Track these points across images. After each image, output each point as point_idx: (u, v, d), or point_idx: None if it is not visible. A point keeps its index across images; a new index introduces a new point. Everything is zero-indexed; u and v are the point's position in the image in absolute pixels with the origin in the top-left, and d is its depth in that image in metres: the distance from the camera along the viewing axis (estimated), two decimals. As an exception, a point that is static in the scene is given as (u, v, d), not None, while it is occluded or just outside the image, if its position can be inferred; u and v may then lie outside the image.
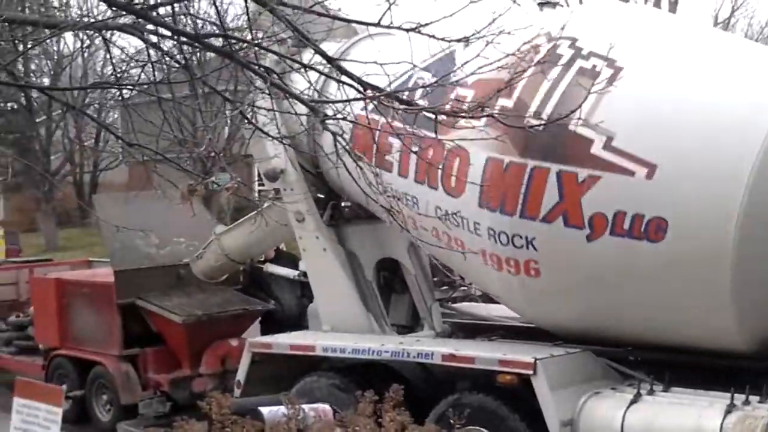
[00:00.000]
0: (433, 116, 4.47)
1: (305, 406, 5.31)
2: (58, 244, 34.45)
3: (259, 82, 5.07)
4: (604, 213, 5.79)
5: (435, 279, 8.55)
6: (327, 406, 5.85)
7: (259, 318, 9.92)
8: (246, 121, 5.30)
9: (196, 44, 4.63)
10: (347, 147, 4.57)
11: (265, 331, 9.16)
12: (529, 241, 6.05)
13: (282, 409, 5.20)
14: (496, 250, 6.25)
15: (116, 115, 26.77)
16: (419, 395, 6.89)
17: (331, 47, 6.31)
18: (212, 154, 9.45)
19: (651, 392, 5.98)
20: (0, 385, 11.61)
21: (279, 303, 9.89)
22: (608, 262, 5.93)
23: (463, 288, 9.22)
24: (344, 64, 4.63)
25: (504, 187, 5.99)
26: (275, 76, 4.67)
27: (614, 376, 6.42)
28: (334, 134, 4.60)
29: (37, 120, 33.00)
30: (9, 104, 32.76)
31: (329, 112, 4.74)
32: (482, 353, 6.56)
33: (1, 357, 11.33)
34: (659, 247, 5.69)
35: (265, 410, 5.44)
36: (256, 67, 4.64)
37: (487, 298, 9.00)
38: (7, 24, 4.93)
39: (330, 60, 4.66)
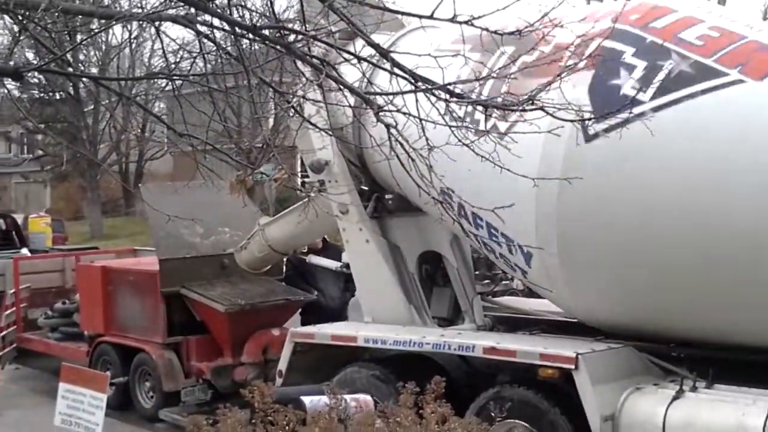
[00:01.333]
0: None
1: (347, 396, 5.33)
2: (103, 233, 34.92)
3: (309, 74, 5.09)
4: None
5: (477, 272, 8.55)
6: (368, 397, 5.87)
7: (300, 309, 10.00)
8: (294, 112, 5.33)
9: (252, 36, 4.67)
10: (399, 139, 4.57)
11: (306, 322, 9.20)
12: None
13: (324, 399, 5.23)
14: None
15: (162, 106, 27.03)
16: (459, 388, 6.90)
17: (379, 39, 6.32)
18: (260, 145, 9.54)
19: (694, 389, 5.93)
20: (45, 370, 11.86)
21: (322, 294, 9.94)
22: None
23: (504, 282, 9.22)
24: (396, 56, 4.64)
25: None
26: (330, 67, 4.70)
27: (656, 372, 6.37)
28: (387, 126, 4.61)
29: (85, 110, 33.41)
30: (57, 94, 33.18)
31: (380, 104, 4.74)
32: (523, 347, 6.55)
33: (47, 343, 11.50)
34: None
35: (306, 400, 5.48)
36: (311, 59, 4.67)
37: (529, 292, 8.98)
38: (62, 14, 5.00)
39: (383, 52, 4.68)
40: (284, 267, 10.44)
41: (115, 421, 8.88)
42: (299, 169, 9.06)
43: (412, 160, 4.73)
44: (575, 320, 7.12)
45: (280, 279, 10.34)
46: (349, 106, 5.45)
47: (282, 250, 9.52)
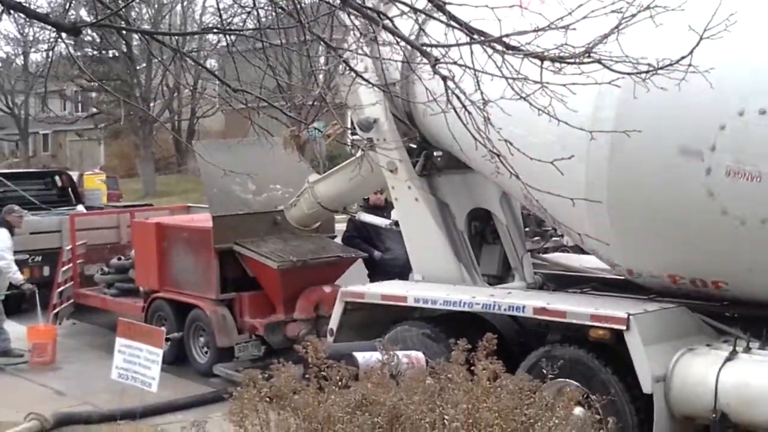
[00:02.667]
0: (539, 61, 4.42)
1: (399, 353, 5.36)
2: (156, 190, 35.40)
3: (361, 27, 5.06)
4: None
5: (527, 229, 8.52)
6: (420, 354, 5.90)
7: (367, 268, 10.06)
8: (347, 68, 5.31)
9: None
10: (456, 92, 4.54)
11: (374, 281, 9.26)
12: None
13: (376, 355, 5.28)
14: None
15: (214, 64, 27.14)
16: (510, 347, 6.91)
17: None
18: (312, 102, 9.53)
19: (747, 349, 5.86)
20: (102, 326, 12.11)
21: (389, 252, 9.98)
22: None
23: (555, 238, 9.18)
24: (451, 9, 4.60)
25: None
26: (387, 18, 4.67)
27: (709, 333, 6.32)
28: (444, 78, 4.58)
29: (138, 67, 33.70)
30: (111, 52, 33.51)
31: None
32: (574, 307, 6.52)
33: (103, 298, 11.72)
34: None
35: (359, 356, 5.53)
36: (367, 10, 4.65)
37: (579, 249, 8.93)
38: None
39: (438, 4, 4.63)
40: (346, 225, 10.52)
41: (170, 375, 9.05)
42: (350, 127, 9.05)
43: (469, 113, 4.70)
44: (626, 278, 7.06)
45: (333, 236, 10.42)
46: (404, 61, 5.40)
47: (331, 207, 9.57)
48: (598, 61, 4.49)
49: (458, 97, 4.65)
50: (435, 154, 8.10)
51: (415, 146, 8.11)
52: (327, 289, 9.52)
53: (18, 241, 12.89)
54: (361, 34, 5.18)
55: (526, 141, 6.04)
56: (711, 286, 6.25)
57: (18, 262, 11.75)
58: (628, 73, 4.63)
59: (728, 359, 5.80)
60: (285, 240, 9.91)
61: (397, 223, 8.83)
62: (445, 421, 4.41)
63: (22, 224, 11.55)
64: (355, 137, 8.84)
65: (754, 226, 5.74)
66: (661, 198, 6.08)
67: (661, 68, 4.54)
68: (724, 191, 5.77)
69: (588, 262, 8.01)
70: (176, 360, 9.98)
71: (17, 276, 10.89)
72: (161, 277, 10.44)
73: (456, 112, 4.71)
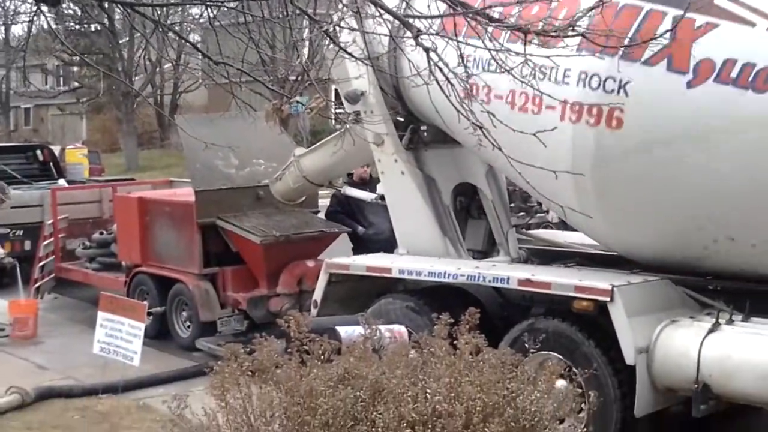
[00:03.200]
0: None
1: (381, 327, 5.35)
2: (139, 164, 35.23)
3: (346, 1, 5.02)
4: (712, 59, 5.59)
5: (512, 205, 8.50)
6: (403, 328, 5.89)
7: (351, 243, 10.04)
8: (330, 41, 5.26)
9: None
10: (439, 64, 4.51)
11: (357, 254, 9.23)
12: (623, 85, 5.84)
13: (359, 329, 5.25)
14: (581, 96, 6.04)
15: (197, 38, 26.96)
16: (493, 320, 6.91)
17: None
18: (295, 77, 9.48)
19: (730, 322, 5.88)
20: (83, 300, 12.06)
21: (372, 227, 9.95)
22: (704, 113, 5.71)
23: (540, 214, 9.17)
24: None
25: (613, 26, 5.66)
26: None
27: (692, 305, 6.33)
28: (427, 50, 4.55)
29: (120, 41, 33.40)
30: (93, 26, 33.19)
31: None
32: (559, 279, 6.52)
33: (85, 273, 11.66)
34: (764, 98, 5.50)
35: (342, 330, 5.51)
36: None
37: (564, 225, 8.92)
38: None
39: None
40: (330, 200, 10.48)
41: (152, 349, 9.02)
42: (334, 101, 8.99)
43: (452, 85, 4.67)
44: (611, 253, 7.07)
45: (316, 211, 10.39)
46: (387, 34, 5.36)
47: (317, 181, 9.53)
48: (582, 35, 4.47)
49: (441, 70, 4.62)
50: (422, 128, 8.08)
51: (401, 119, 8.07)
52: (310, 263, 9.50)
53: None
54: (343, 5, 5.13)
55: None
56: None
57: (-1, 237, 11.70)
58: (611, 47, 4.61)
59: (711, 331, 5.82)
60: (268, 215, 9.87)
61: (382, 198, 8.80)
62: (427, 394, 4.40)
63: (3, 206, 11.46)
64: (340, 111, 8.79)
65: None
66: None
67: (645, 41, 4.52)
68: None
69: (572, 238, 8.02)
70: (159, 334, 9.96)
71: None
72: (143, 251, 10.39)
73: (439, 84, 4.68)
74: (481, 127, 4.90)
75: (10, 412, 7.32)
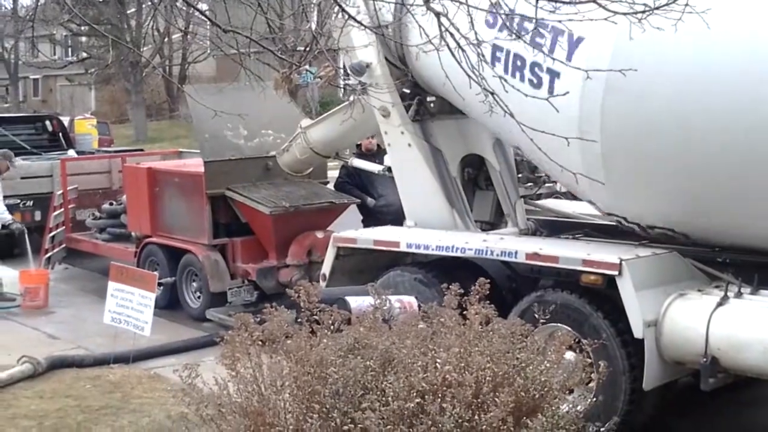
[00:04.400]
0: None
1: (391, 298, 5.38)
2: (148, 136, 35.25)
3: None
4: None
5: (520, 176, 8.49)
6: (412, 298, 5.92)
7: (360, 214, 10.05)
8: (339, 8, 5.25)
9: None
10: (450, 29, 4.49)
11: (366, 226, 9.25)
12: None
13: (368, 300, 5.28)
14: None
15: (205, 7, 26.82)
16: (502, 292, 6.93)
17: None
18: (304, 47, 9.44)
19: (739, 295, 5.88)
20: (94, 270, 12.12)
21: (382, 198, 9.96)
22: None
23: (548, 185, 9.16)
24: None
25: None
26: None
27: (701, 278, 6.33)
28: (437, 14, 4.53)
29: (128, 11, 33.28)
30: (100, -5, 33.07)
31: None
32: (566, 253, 6.52)
33: (95, 243, 11.71)
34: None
35: (351, 300, 5.55)
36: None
37: (572, 196, 8.91)
38: None
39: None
40: (339, 171, 10.49)
41: (163, 320, 9.08)
42: (343, 70, 8.97)
43: (462, 50, 4.65)
44: (618, 224, 7.06)
45: (325, 182, 10.40)
46: (396, 1, 5.32)
47: (323, 152, 9.53)
48: (594, 1, 4.44)
49: (452, 35, 4.60)
50: (428, 99, 8.05)
51: (408, 91, 8.05)
52: (319, 234, 9.53)
53: (9, 185, 12.86)
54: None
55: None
56: None
57: (9, 207, 11.72)
58: (624, 13, 4.58)
59: (719, 304, 5.82)
60: (277, 186, 9.89)
61: (389, 169, 8.80)
62: (437, 364, 4.44)
63: (6, 169, 11.43)
64: (348, 81, 8.76)
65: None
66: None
67: (657, 8, 4.49)
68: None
69: (581, 209, 8.01)
70: (169, 305, 10.01)
71: (5, 216, 10.82)
72: (153, 222, 10.43)
73: (450, 50, 4.66)
74: (492, 93, 4.88)
75: (22, 381, 7.37)
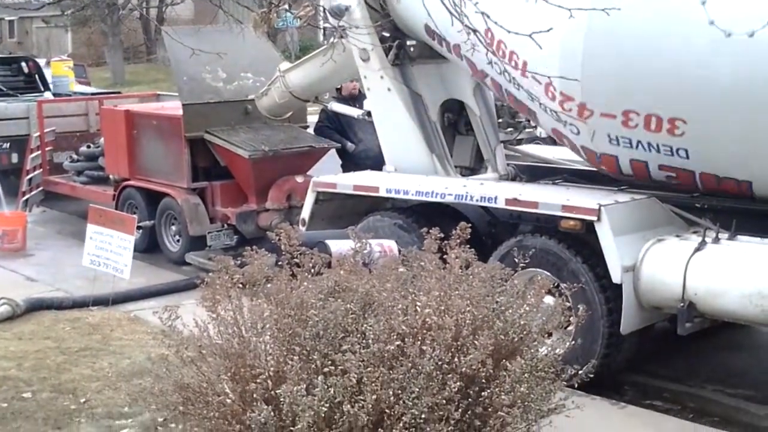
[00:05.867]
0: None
1: (371, 241, 5.37)
2: (125, 79, 34.83)
3: None
4: None
5: (500, 121, 8.48)
6: (393, 243, 5.90)
7: (340, 158, 10.02)
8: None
9: None
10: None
11: (345, 171, 9.22)
12: None
13: (349, 243, 5.28)
14: None
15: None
16: (481, 237, 6.96)
17: None
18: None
19: (716, 240, 5.93)
20: (72, 213, 12.06)
21: (361, 143, 9.92)
22: None
23: (528, 130, 9.16)
24: None
25: None
26: None
27: (679, 224, 6.37)
28: None
29: (103, -49, 32.64)
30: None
31: None
32: (546, 198, 6.54)
33: (73, 186, 11.63)
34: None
35: (332, 243, 5.54)
36: None
37: (552, 141, 8.91)
38: None
39: None
40: (318, 116, 10.42)
41: (142, 263, 9.06)
42: (322, 12, 8.87)
43: None
44: (598, 170, 7.09)
45: (305, 127, 10.35)
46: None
47: (303, 96, 9.44)
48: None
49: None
50: (408, 43, 7.98)
51: (387, 35, 7.98)
52: (299, 179, 9.51)
53: (-18, 128, 12.72)
54: None
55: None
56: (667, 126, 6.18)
57: (-16, 149, 11.61)
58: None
59: (697, 250, 5.87)
60: (256, 129, 9.84)
61: (369, 114, 8.76)
62: (417, 307, 4.45)
63: None
64: (327, 24, 8.67)
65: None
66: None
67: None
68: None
69: (560, 154, 8.02)
70: (148, 248, 10.00)
71: None
72: (131, 165, 10.37)
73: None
74: (475, 31, 4.85)
75: (0, 323, 7.36)
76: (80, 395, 5.76)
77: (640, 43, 6.02)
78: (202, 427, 4.71)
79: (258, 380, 4.35)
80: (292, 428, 4.10)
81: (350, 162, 9.87)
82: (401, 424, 3.97)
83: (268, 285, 4.79)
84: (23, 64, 15.84)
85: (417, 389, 4.00)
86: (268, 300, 4.72)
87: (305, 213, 7.87)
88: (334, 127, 10.23)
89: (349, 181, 7.83)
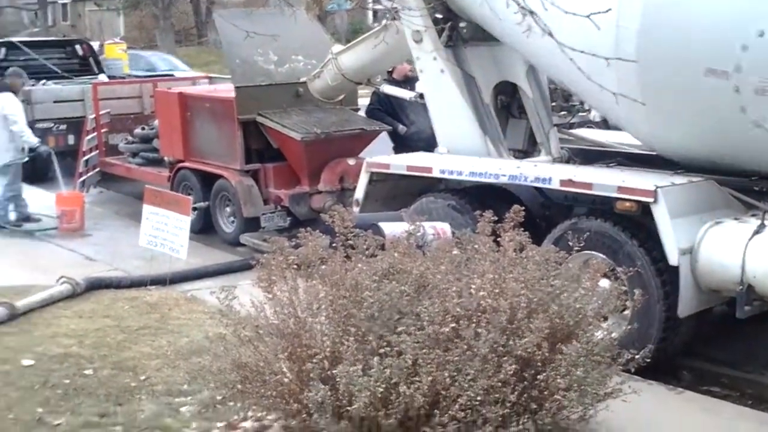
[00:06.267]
0: None
1: (425, 224, 5.39)
2: (177, 62, 34.96)
3: None
4: None
5: (553, 104, 8.43)
6: (446, 225, 5.93)
7: (392, 141, 10.03)
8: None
9: None
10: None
11: (398, 154, 9.23)
12: None
13: (402, 226, 5.30)
14: None
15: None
16: (535, 220, 6.93)
17: None
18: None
19: (776, 223, 5.85)
20: (128, 194, 12.24)
21: (413, 125, 9.91)
22: None
23: (581, 113, 9.09)
24: None
25: None
26: None
27: (737, 206, 6.29)
28: None
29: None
30: None
31: None
32: (601, 179, 6.49)
33: (129, 167, 11.79)
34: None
35: (385, 226, 5.57)
36: None
37: (606, 125, 8.84)
38: None
39: None
40: (370, 98, 10.43)
41: (197, 244, 9.14)
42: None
43: None
44: (654, 153, 7.02)
45: (356, 109, 10.37)
46: None
47: (355, 78, 9.47)
48: None
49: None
50: (461, 24, 7.96)
51: (440, 16, 7.96)
52: (351, 161, 9.53)
53: (41, 109, 12.93)
54: None
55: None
56: None
57: (42, 131, 11.80)
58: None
59: (756, 233, 5.78)
60: (308, 112, 9.87)
61: (421, 96, 8.76)
62: (471, 290, 4.46)
63: (21, 86, 11.32)
64: (379, 6, 8.67)
65: None
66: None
67: None
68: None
69: (615, 137, 7.95)
70: (203, 229, 10.10)
71: (32, 139, 10.82)
72: (186, 147, 10.47)
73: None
74: (531, 12, 4.82)
75: (61, 301, 7.48)
76: (140, 373, 5.87)
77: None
78: (260, 405, 4.79)
79: (314, 360, 4.40)
80: (348, 408, 4.16)
81: (402, 145, 9.88)
82: (457, 406, 4.00)
83: (323, 266, 4.83)
84: (77, 47, 16.08)
85: (473, 371, 4.03)
86: (322, 281, 4.76)
87: (359, 193, 7.91)
88: (385, 109, 10.24)
89: (402, 162, 7.84)
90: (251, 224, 9.70)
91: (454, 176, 7.34)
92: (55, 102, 13.22)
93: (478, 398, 4.00)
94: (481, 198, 7.07)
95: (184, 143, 10.46)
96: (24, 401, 5.42)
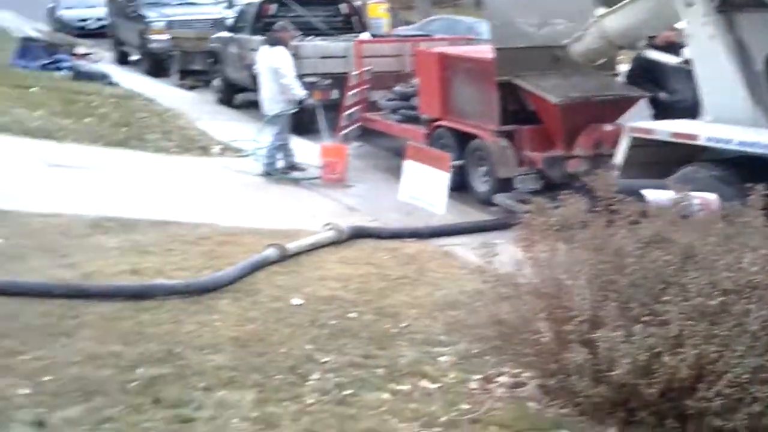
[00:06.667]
0: None
1: (691, 194, 5.29)
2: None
3: None
4: None
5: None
6: (714, 196, 5.78)
7: (650, 109, 9.84)
8: None
9: None
10: None
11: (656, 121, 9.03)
12: None
13: (666, 194, 5.24)
14: None
15: None
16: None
17: None
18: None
19: None
20: (386, 149, 12.69)
21: (675, 93, 9.66)
22: None
23: None
24: None
25: None
26: None
27: None
28: None
29: None
30: None
31: None
32: None
33: (388, 124, 12.19)
34: None
35: (648, 193, 5.52)
36: None
37: None
38: None
39: None
40: (631, 63, 10.24)
41: (452, 201, 9.37)
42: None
43: None
44: None
45: (614, 75, 10.19)
46: None
47: (618, 42, 9.31)
48: None
49: None
50: (736, -12, 7.65)
51: (713, -19, 7.69)
52: (608, 127, 9.39)
53: (308, 64, 13.58)
54: None
55: None
56: None
57: (309, 84, 12.40)
58: None
59: None
60: (566, 75, 9.81)
61: (686, 62, 8.49)
62: (742, 264, 4.37)
63: (291, 39, 11.86)
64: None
65: None
66: None
67: None
68: None
69: None
70: (457, 187, 10.28)
71: (299, 92, 11.33)
72: (443, 106, 10.70)
73: None
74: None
75: (327, 246, 7.88)
76: (401, 320, 6.15)
77: None
78: (517, 362, 4.94)
79: (574, 322, 4.48)
80: (608, 373, 4.21)
81: (663, 113, 9.60)
82: (724, 382, 3.95)
83: (584, 230, 4.86)
84: (342, 5, 16.69)
85: (742, 348, 3.96)
86: (583, 245, 4.81)
87: (618, 158, 7.84)
88: (646, 76, 9.99)
89: (667, 128, 7.69)
90: (504, 185, 9.79)
91: (721, 145, 7.13)
92: (321, 57, 13.85)
93: (746, 376, 3.94)
94: (749, 170, 6.80)
95: (442, 102, 10.70)
96: (294, 338, 5.81)
